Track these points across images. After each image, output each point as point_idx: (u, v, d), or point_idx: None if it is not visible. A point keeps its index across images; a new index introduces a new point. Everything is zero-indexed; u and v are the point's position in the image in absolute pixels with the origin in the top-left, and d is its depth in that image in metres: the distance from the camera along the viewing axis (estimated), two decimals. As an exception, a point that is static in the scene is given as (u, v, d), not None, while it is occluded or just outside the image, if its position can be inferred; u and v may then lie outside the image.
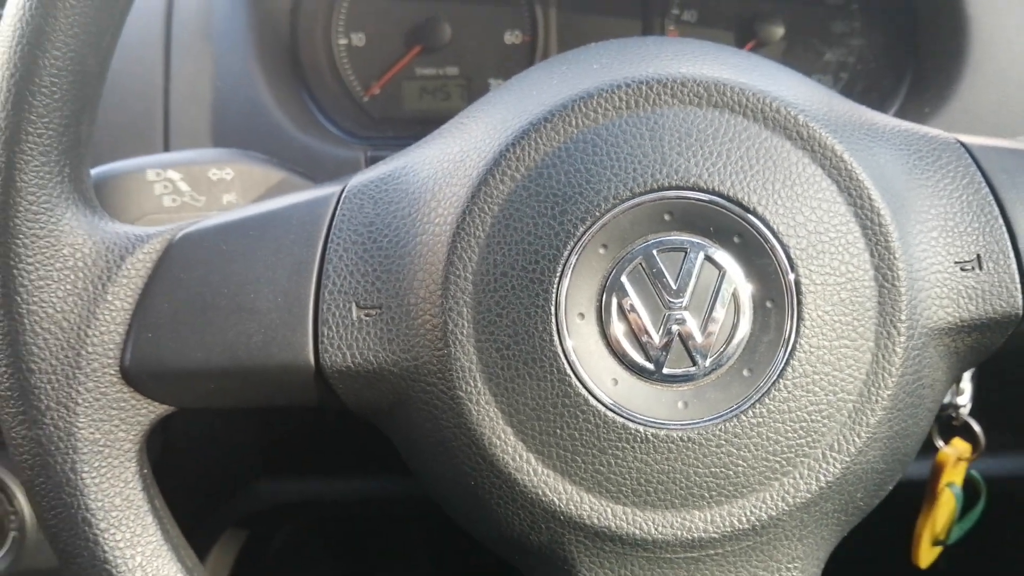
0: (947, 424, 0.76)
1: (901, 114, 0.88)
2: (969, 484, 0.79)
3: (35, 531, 0.70)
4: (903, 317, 0.49)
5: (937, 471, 0.78)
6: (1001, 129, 0.82)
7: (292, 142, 0.84)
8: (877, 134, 0.52)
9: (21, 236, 0.48)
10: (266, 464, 0.93)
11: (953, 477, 0.78)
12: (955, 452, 0.78)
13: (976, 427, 0.76)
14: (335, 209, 0.52)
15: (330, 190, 0.53)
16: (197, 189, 0.66)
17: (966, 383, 0.73)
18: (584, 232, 0.47)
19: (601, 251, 0.48)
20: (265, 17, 0.86)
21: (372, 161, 0.84)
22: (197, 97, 0.84)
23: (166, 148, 0.84)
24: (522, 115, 0.49)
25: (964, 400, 0.76)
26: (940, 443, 0.78)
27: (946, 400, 0.73)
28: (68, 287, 0.50)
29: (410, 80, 0.96)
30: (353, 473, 0.93)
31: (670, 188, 0.47)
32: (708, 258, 0.48)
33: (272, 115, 0.84)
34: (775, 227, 0.48)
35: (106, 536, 0.50)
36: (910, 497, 0.77)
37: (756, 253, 0.48)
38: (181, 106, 0.84)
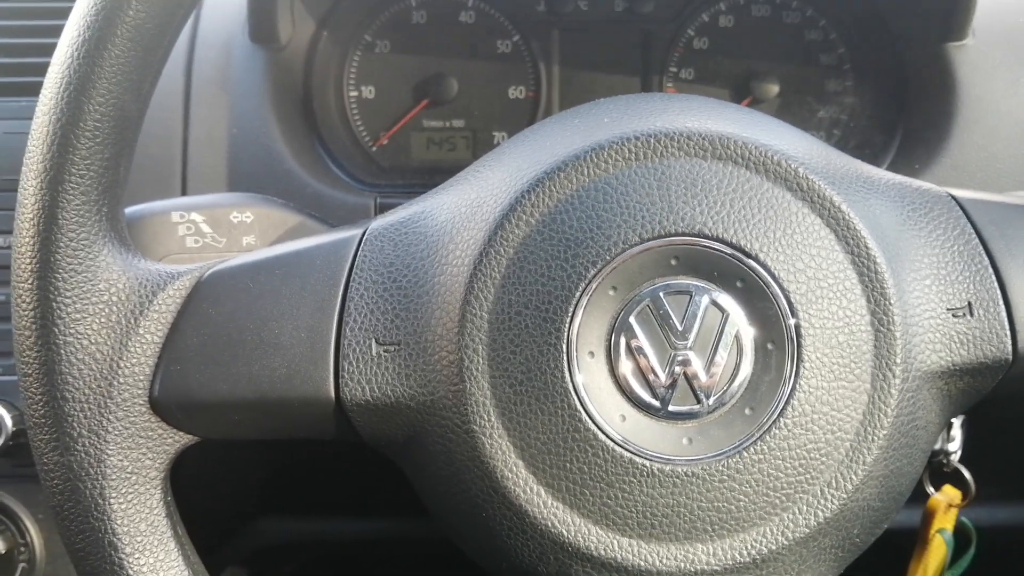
0: (938, 470, 0.77)
1: (892, 169, 0.91)
2: (960, 531, 0.80)
3: (44, 563, 0.70)
4: (898, 360, 0.51)
5: (928, 517, 0.80)
6: (989, 184, 0.86)
7: (305, 188, 0.87)
8: (873, 186, 0.55)
9: (60, 271, 0.51)
10: (270, 501, 0.94)
11: (944, 523, 0.79)
12: (946, 499, 0.80)
13: (966, 474, 0.78)
14: (357, 250, 0.55)
15: (352, 232, 0.56)
16: (218, 231, 0.69)
17: (956, 430, 0.76)
18: (595, 275, 0.50)
19: (611, 293, 0.50)
20: (280, 70, 0.90)
21: (381, 208, 0.87)
22: (214, 143, 0.87)
23: (184, 191, 0.87)
24: (537, 164, 0.52)
25: (955, 447, 0.77)
26: (931, 489, 0.79)
27: (937, 446, 0.75)
28: (103, 320, 0.52)
29: (418, 132, 0.99)
30: (357, 512, 0.94)
31: (677, 235, 0.50)
32: (712, 301, 0.50)
33: (286, 162, 0.87)
34: (776, 273, 0.50)
35: (131, 560, 0.51)
36: (901, 543, 0.78)
37: (758, 297, 0.50)
38: (199, 152, 0.87)
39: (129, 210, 0.67)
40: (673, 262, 0.50)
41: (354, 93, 0.99)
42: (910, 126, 0.93)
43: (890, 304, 0.51)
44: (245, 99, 0.88)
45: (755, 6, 0.98)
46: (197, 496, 0.85)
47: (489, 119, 0.99)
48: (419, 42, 0.98)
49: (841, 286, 0.51)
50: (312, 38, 0.95)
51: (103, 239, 0.53)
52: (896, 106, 0.95)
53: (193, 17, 0.90)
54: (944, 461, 0.77)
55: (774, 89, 0.97)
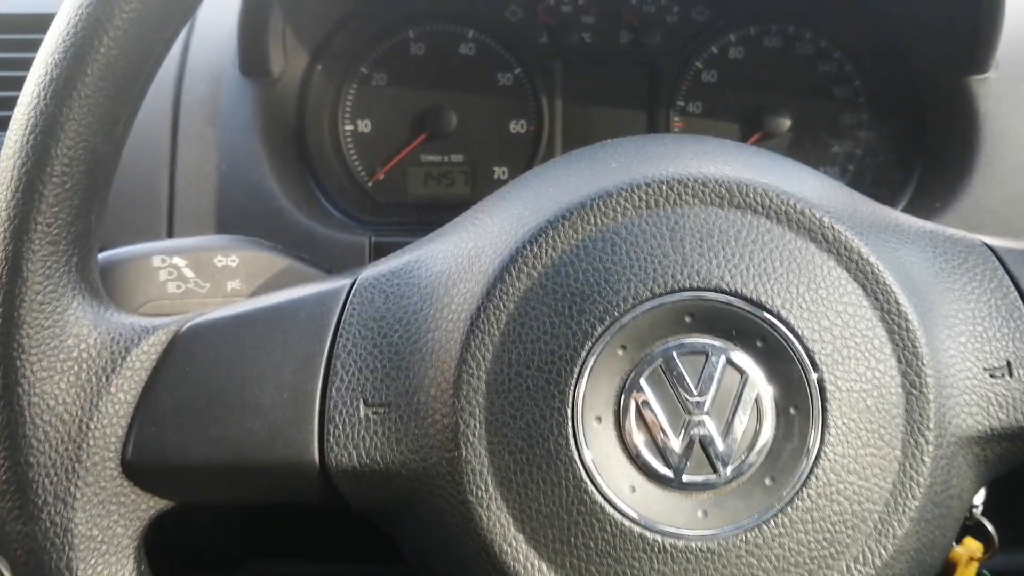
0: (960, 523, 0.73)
1: (911, 208, 0.88)
2: (980, 584, 0.76)
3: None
4: (931, 425, 0.47)
5: (949, 571, 0.76)
6: (1013, 225, 0.82)
7: (296, 226, 0.83)
8: (902, 235, 0.51)
9: (26, 327, 0.47)
10: (257, 546, 0.90)
11: (965, 578, 0.75)
12: (967, 552, 0.76)
13: (989, 527, 0.74)
14: (345, 302, 0.51)
15: (340, 283, 0.52)
16: (202, 275, 0.65)
17: (982, 484, 0.71)
18: (602, 333, 0.46)
19: (620, 352, 0.46)
20: (272, 104, 0.86)
21: (377, 247, 0.84)
22: (202, 181, 0.83)
23: (170, 230, 0.83)
24: (539, 212, 0.49)
25: (978, 500, 0.74)
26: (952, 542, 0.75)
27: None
28: (71, 379, 0.48)
29: (415, 166, 0.96)
30: (345, 557, 0.89)
31: (691, 289, 0.46)
32: (730, 362, 0.46)
33: (276, 199, 0.83)
34: (799, 331, 0.46)
35: None
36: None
37: (779, 357, 0.46)
38: (186, 190, 0.83)
39: (106, 255, 0.63)
40: (687, 319, 0.46)
41: (349, 127, 0.95)
42: (929, 162, 0.89)
43: (923, 364, 0.47)
44: (235, 134, 0.84)
45: (766, 37, 0.94)
46: (182, 540, 0.80)
47: (489, 154, 0.95)
48: (417, 74, 0.95)
49: (870, 345, 0.47)
50: (306, 70, 0.92)
51: (72, 291, 0.49)
52: (914, 141, 0.91)
53: (181, 47, 0.87)
54: (967, 514, 0.73)
55: (786, 123, 0.93)
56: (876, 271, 0.47)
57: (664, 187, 0.47)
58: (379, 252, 0.83)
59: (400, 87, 0.95)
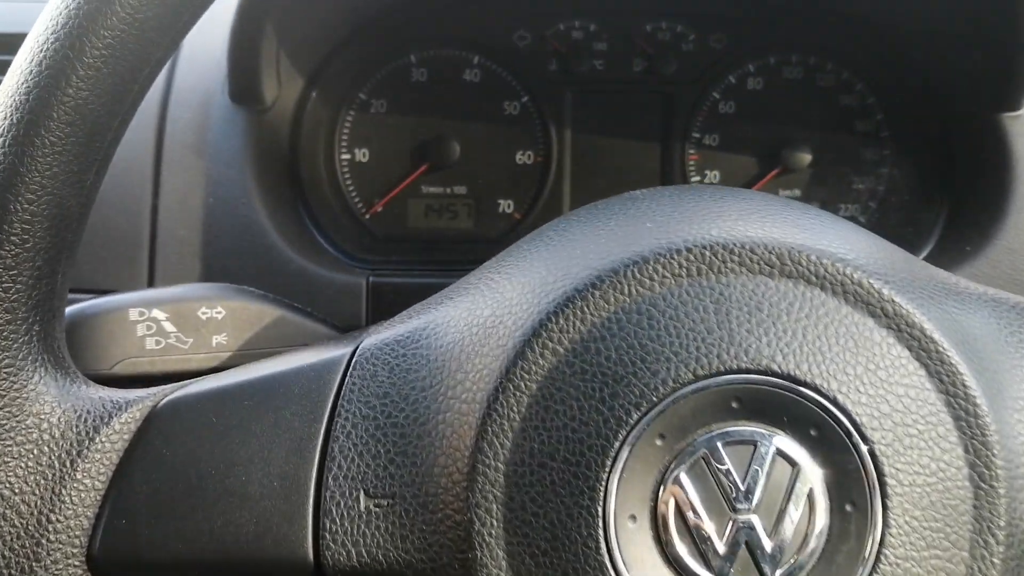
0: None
1: (939, 251, 0.83)
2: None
3: None
4: (1002, 523, 0.42)
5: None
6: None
7: (288, 265, 0.78)
8: (964, 305, 0.46)
9: None
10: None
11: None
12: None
13: None
14: (344, 375, 0.45)
15: (339, 352, 0.47)
16: (184, 329, 0.59)
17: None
18: (638, 420, 0.41)
19: (658, 443, 0.41)
20: (264, 132, 0.81)
21: (374, 289, 0.78)
22: (187, 215, 0.78)
23: (151, 269, 0.77)
24: (566, 278, 0.43)
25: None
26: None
27: None
28: (31, 464, 0.43)
29: (415, 198, 0.90)
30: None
31: (739, 371, 0.41)
32: (780, 453, 0.41)
33: (268, 235, 0.78)
34: (857, 418, 0.41)
35: None
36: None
37: (835, 448, 0.41)
38: (170, 224, 0.77)
39: (78, 307, 0.58)
40: (734, 404, 0.41)
41: (346, 156, 0.90)
42: (958, 203, 0.85)
43: (992, 454, 0.42)
44: (224, 165, 0.79)
45: (786, 68, 0.90)
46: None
47: (494, 186, 0.90)
48: (419, 102, 0.90)
49: (934, 432, 0.42)
50: (300, 96, 0.86)
51: (33, 364, 0.43)
52: (941, 180, 0.87)
53: (166, 72, 0.81)
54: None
55: (806, 158, 0.88)
56: (940, 349, 0.42)
57: (707, 253, 0.42)
58: (376, 293, 0.78)
59: (401, 114, 0.90)
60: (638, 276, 0.42)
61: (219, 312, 0.60)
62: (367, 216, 0.90)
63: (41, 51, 0.41)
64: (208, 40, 0.82)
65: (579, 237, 0.46)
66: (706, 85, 0.89)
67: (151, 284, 0.77)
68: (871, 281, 0.42)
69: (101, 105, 0.42)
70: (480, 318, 0.45)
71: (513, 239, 0.92)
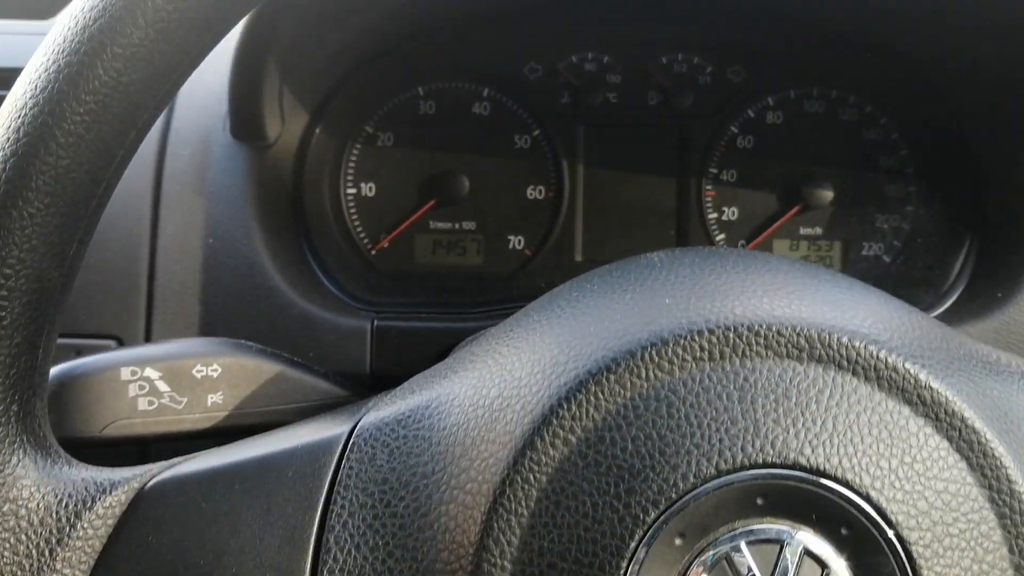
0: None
1: (968, 297, 0.79)
2: None
3: None
4: None
5: None
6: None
7: (290, 309, 0.75)
8: (1009, 385, 0.43)
9: None
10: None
11: None
12: None
13: None
14: (341, 458, 0.42)
15: (336, 430, 0.44)
16: (178, 389, 0.57)
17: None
18: (657, 518, 0.38)
19: (677, 542, 0.38)
20: (267, 169, 0.78)
21: (379, 333, 0.75)
22: (187, 256, 0.75)
23: (149, 313, 0.75)
24: (579, 358, 0.40)
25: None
26: None
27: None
28: (7, 554, 0.40)
29: (423, 233, 0.88)
30: None
31: (764, 466, 0.38)
32: (809, 553, 0.38)
33: (270, 278, 0.75)
34: (892, 517, 0.38)
35: None
36: None
37: (868, 549, 0.38)
38: (169, 266, 0.75)
39: (68, 366, 0.55)
40: (760, 501, 0.38)
41: (352, 190, 0.87)
42: (988, 244, 0.81)
43: None
44: (224, 204, 0.76)
45: (807, 101, 0.86)
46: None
47: (504, 222, 0.87)
48: (427, 135, 0.87)
49: (976, 531, 0.39)
50: (305, 131, 0.84)
51: (11, 446, 0.41)
52: (969, 219, 0.83)
53: (166, 109, 0.79)
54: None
55: (828, 195, 0.85)
56: (983, 440, 0.39)
57: (731, 335, 0.39)
58: (381, 338, 0.75)
59: (408, 148, 0.87)
60: (656, 359, 0.39)
61: (215, 370, 0.58)
62: (373, 252, 0.87)
63: (19, 116, 0.38)
64: (208, 76, 0.79)
65: (592, 310, 0.44)
66: (723, 119, 0.86)
67: (149, 329, 0.74)
68: (907, 365, 0.39)
69: (83, 173, 0.39)
70: (487, 398, 0.42)
71: (523, 276, 0.90)
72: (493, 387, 0.42)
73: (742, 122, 0.87)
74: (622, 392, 0.39)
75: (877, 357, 0.39)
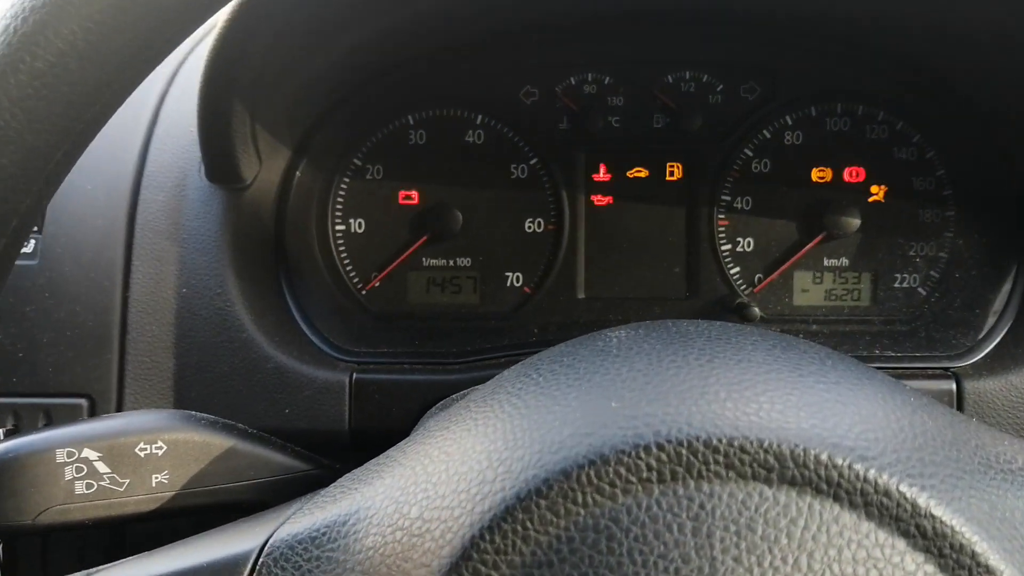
0: None
1: (1013, 341, 0.71)
2: None
3: None
4: None
5: None
6: None
7: (265, 362, 0.70)
8: (1021, 504, 0.35)
9: None
10: None
11: None
12: None
13: None
14: None
15: (246, 547, 0.39)
16: (120, 470, 0.52)
17: None
18: None
19: None
20: (243, 213, 0.74)
21: (358, 387, 0.70)
22: (159, 308, 0.71)
23: (121, 367, 0.71)
24: (507, 476, 0.34)
25: None
26: None
27: None
28: None
29: (416, 271, 0.83)
30: None
31: None
32: None
33: (244, 329, 0.71)
34: None
35: None
36: None
37: None
38: (140, 319, 0.71)
39: (1, 448, 0.51)
40: (718, 657, 0.32)
41: (341, 227, 0.82)
42: (1036, 277, 0.73)
43: None
44: (198, 251, 0.72)
45: (830, 119, 0.79)
46: None
47: (500, 258, 0.82)
48: (418, 167, 0.82)
49: None
50: (287, 168, 0.79)
51: None
52: (1015, 248, 0.74)
53: (139, 152, 0.75)
54: None
55: (854, 223, 0.77)
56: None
57: (685, 452, 0.33)
58: (361, 393, 0.70)
59: (398, 181, 0.82)
60: (595, 481, 0.33)
61: (159, 447, 0.53)
62: (364, 292, 0.82)
63: None
64: (182, 116, 0.75)
65: (532, 411, 0.38)
66: (736, 141, 0.79)
67: (121, 386, 0.71)
68: (902, 488, 0.32)
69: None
70: (407, 518, 0.36)
71: (523, 315, 0.84)
72: (415, 504, 0.37)
73: (757, 144, 0.79)
74: (555, 521, 0.33)
75: (865, 478, 0.32)
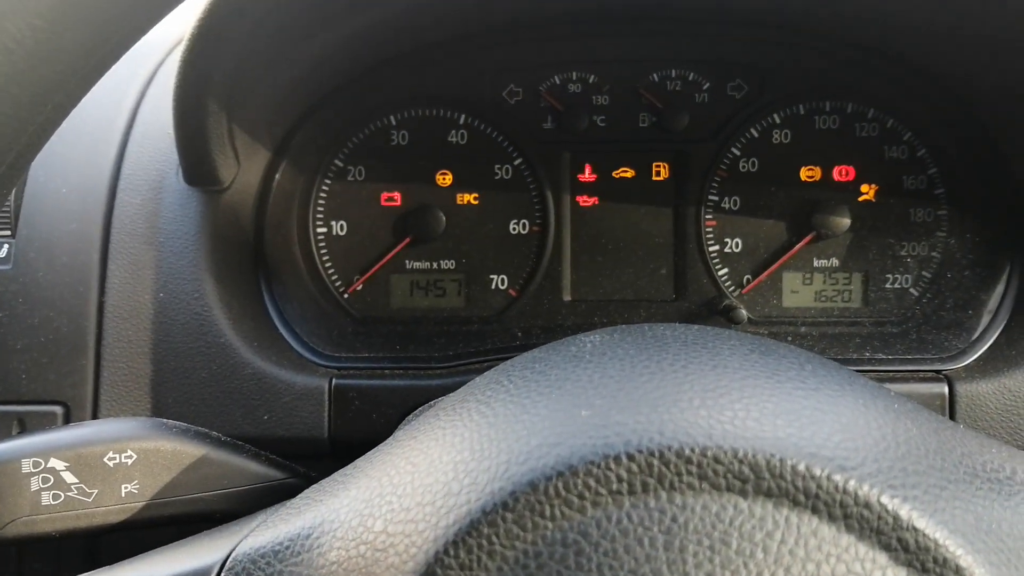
0: None
1: (1006, 342, 0.69)
2: None
3: None
4: None
5: None
6: None
7: (243, 368, 0.69)
8: (1012, 511, 0.34)
9: None
10: None
11: None
12: None
13: None
14: None
15: (207, 560, 0.37)
16: (88, 480, 0.51)
17: None
18: None
19: None
20: (222, 215, 0.72)
21: (337, 393, 0.69)
22: (136, 313, 0.70)
23: (97, 374, 0.70)
24: (472, 488, 0.33)
25: None
26: None
27: None
28: None
29: (399, 274, 0.81)
30: None
31: None
32: None
33: (222, 335, 0.69)
34: None
35: None
36: None
37: None
38: (117, 325, 0.70)
39: (-38, 460, 0.50)
40: (691, 677, 0.30)
41: (323, 229, 0.81)
42: (1028, 276, 0.71)
43: None
44: (175, 255, 0.71)
45: (819, 117, 0.77)
46: None
47: (485, 260, 0.80)
48: (400, 167, 0.80)
49: None
50: (267, 170, 0.78)
51: None
52: (1009, 248, 0.73)
53: (116, 155, 0.73)
54: None
55: (844, 223, 0.76)
56: None
57: (656, 463, 0.32)
58: (340, 398, 0.69)
59: (380, 182, 0.81)
60: (563, 493, 0.32)
61: (129, 456, 0.52)
62: (346, 295, 0.81)
63: None
64: (161, 120, 0.74)
65: (500, 419, 0.36)
66: (724, 140, 0.78)
67: (97, 393, 0.69)
68: (884, 499, 0.31)
69: None
70: (371, 531, 0.35)
71: (508, 319, 0.83)
72: (379, 518, 0.35)
73: (744, 143, 0.78)
74: (521, 535, 0.32)
75: (844, 489, 0.31)
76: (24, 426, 0.69)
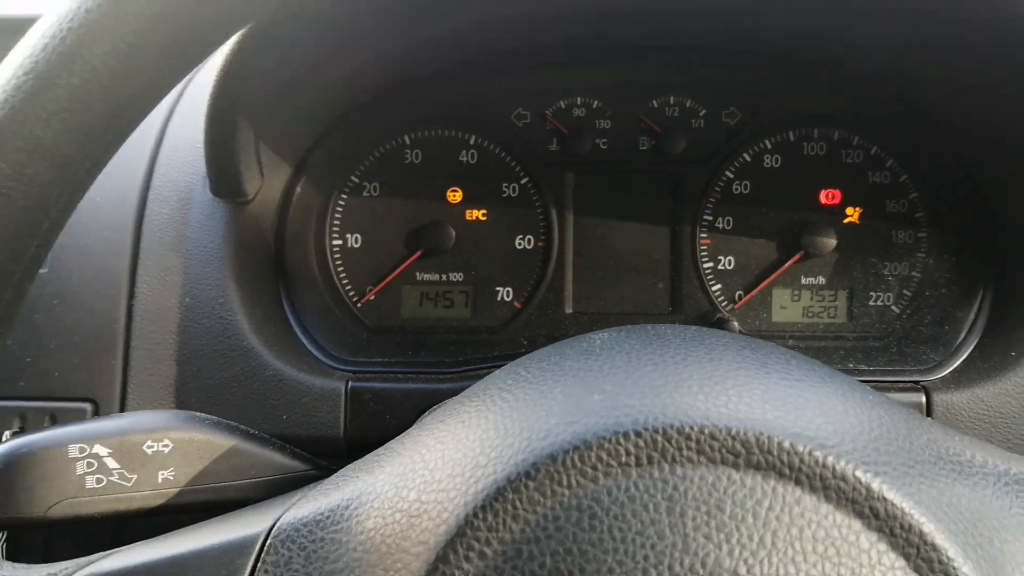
0: None
1: (980, 356, 0.74)
2: None
3: None
4: None
5: None
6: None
7: (264, 370, 0.73)
8: (980, 491, 0.38)
9: None
10: None
11: None
12: None
13: None
14: (257, 560, 0.40)
15: (255, 529, 0.42)
16: (128, 466, 0.55)
17: None
18: (575, 643, 0.34)
19: (598, 670, 0.35)
20: (246, 226, 0.77)
21: (353, 395, 0.73)
22: (163, 317, 0.74)
23: (125, 373, 0.74)
24: (498, 461, 0.37)
25: None
26: None
27: None
28: None
29: (410, 285, 0.86)
30: None
31: None
32: None
33: (244, 338, 0.74)
34: None
35: None
36: None
37: None
38: (144, 327, 0.74)
39: (14, 444, 0.54)
40: (688, 626, 0.35)
41: (338, 242, 0.86)
42: (1004, 297, 0.76)
43: None
44: (201, 263, 0.75)
45: (807, 143, 0.83)
46: None
47: (492, 273, 0.85)
48: (413, 185, 0.85)
49: None
50: (288, 184, 0.82)
51: None
52: (984, 269, 0.78)
53: (146, 167, 0.78)
54: None
55: (830, 243, 0.81)
56: (945, 559, 0.35)
57: (660, 439, 0.36)
58: (356, 400, 0.73)
59: (394, 198, 0.86)
60: (579, 464, 0.36)
61: (166, 445, 0.56)
62: (359, 305, 0.85)
63: None
64: (190, 134, 0.79)
65: (521, 404, 0.41)
66: (718, 164, 0.83)
67: (124, 392, 0.73)
68: (858, 473, 0.35)
69: None
70: (405, 501, 0.39)
71: (513, 329, 0.87)
72: (413, 488, 0.39)
73: (738, 166, 0.83)
74: (542, 501, 0.36)
75: (823, 464, 0.36)
76: (55, 421, 0.73)
